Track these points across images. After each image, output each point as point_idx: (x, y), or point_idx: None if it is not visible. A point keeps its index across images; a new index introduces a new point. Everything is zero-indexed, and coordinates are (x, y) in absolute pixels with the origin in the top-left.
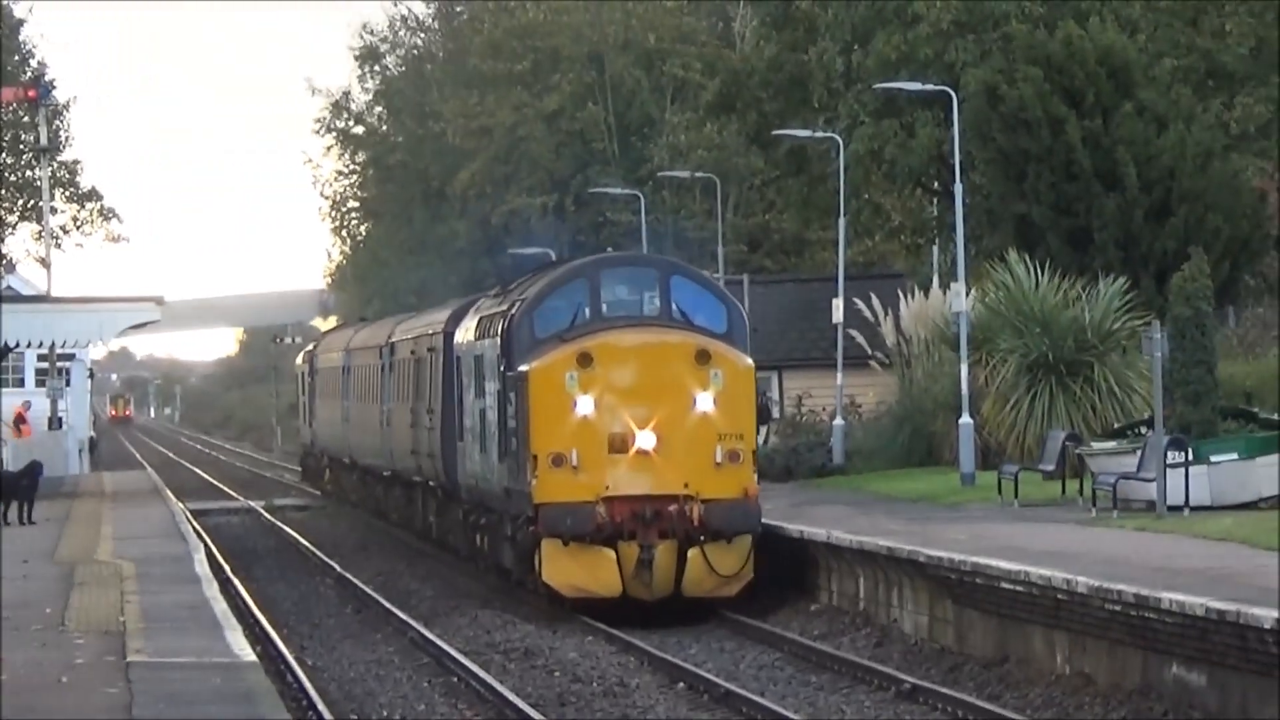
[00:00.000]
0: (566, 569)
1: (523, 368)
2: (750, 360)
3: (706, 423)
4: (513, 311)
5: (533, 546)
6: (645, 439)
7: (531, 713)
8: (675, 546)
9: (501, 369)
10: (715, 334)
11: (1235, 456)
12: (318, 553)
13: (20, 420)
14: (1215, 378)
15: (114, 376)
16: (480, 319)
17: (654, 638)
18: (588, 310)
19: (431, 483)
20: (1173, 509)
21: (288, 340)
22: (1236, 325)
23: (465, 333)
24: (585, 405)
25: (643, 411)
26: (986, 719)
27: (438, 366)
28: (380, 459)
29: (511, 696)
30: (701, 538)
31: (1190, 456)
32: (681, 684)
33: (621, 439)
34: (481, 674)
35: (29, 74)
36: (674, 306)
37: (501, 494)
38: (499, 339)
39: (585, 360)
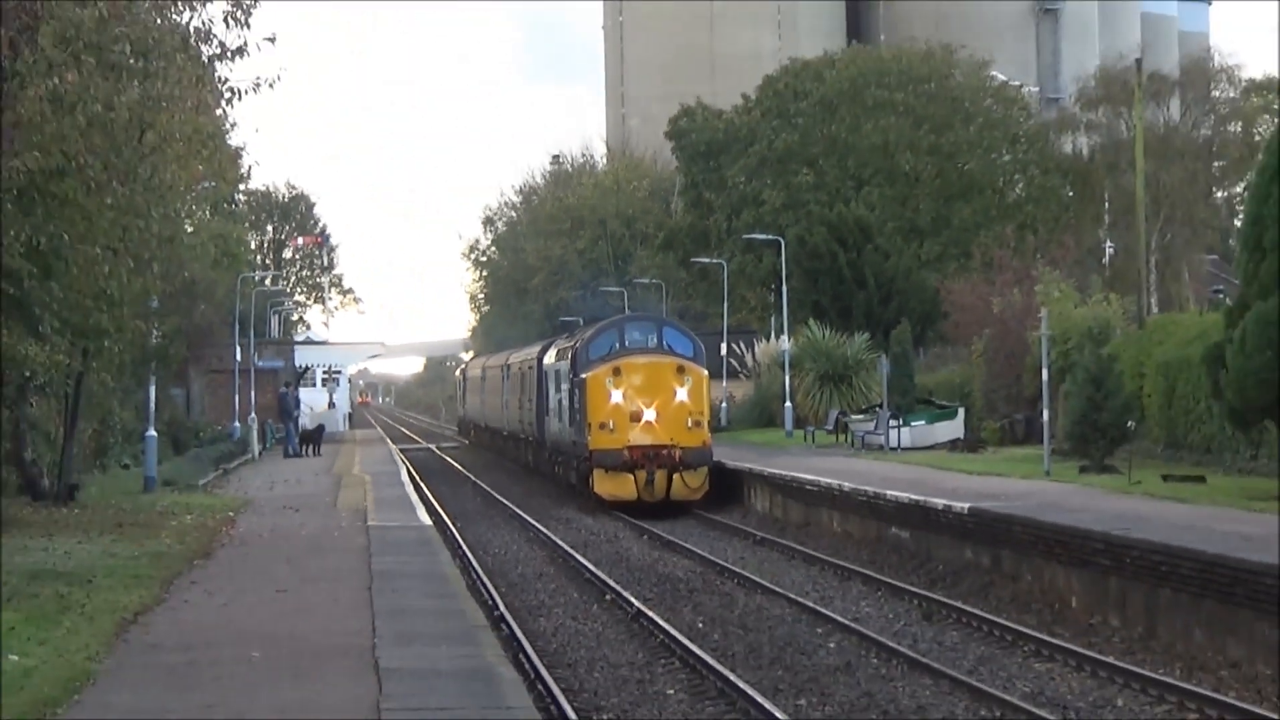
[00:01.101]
0: (607, 484)
1: (583, 375)
2: (706, 372)
3: (683, 406)
4: (577, 345)
5: (588, 472)
6: (650, 414)
7: (567, 547)
8: (667, 473)
9: (571, 377)
10: (687, 357)
11: (924, 422)
12: (465, 471)
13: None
14: (913, 383)
15: (360, 382)
16: (558, 350)
17: (649, 520)
18: (617, 345)
19: (530, 438)
20: (892, 449)
21: (449, 364)
22: (924, 358)
23: (549, 358)
24: (617, 396)
25: (648, 399)
26: (797, 554)
27: (533, 377)
28: (501, 424)
29: (558, 540)
30: (681, 467)
31: (900, 422)
32: (646, 537)
33: (637, 414)
34: (545, 531)
35: (317, 225)
36: (665, 343)
37: (570, 445)
38: (569, 361)
39: (617, 372)
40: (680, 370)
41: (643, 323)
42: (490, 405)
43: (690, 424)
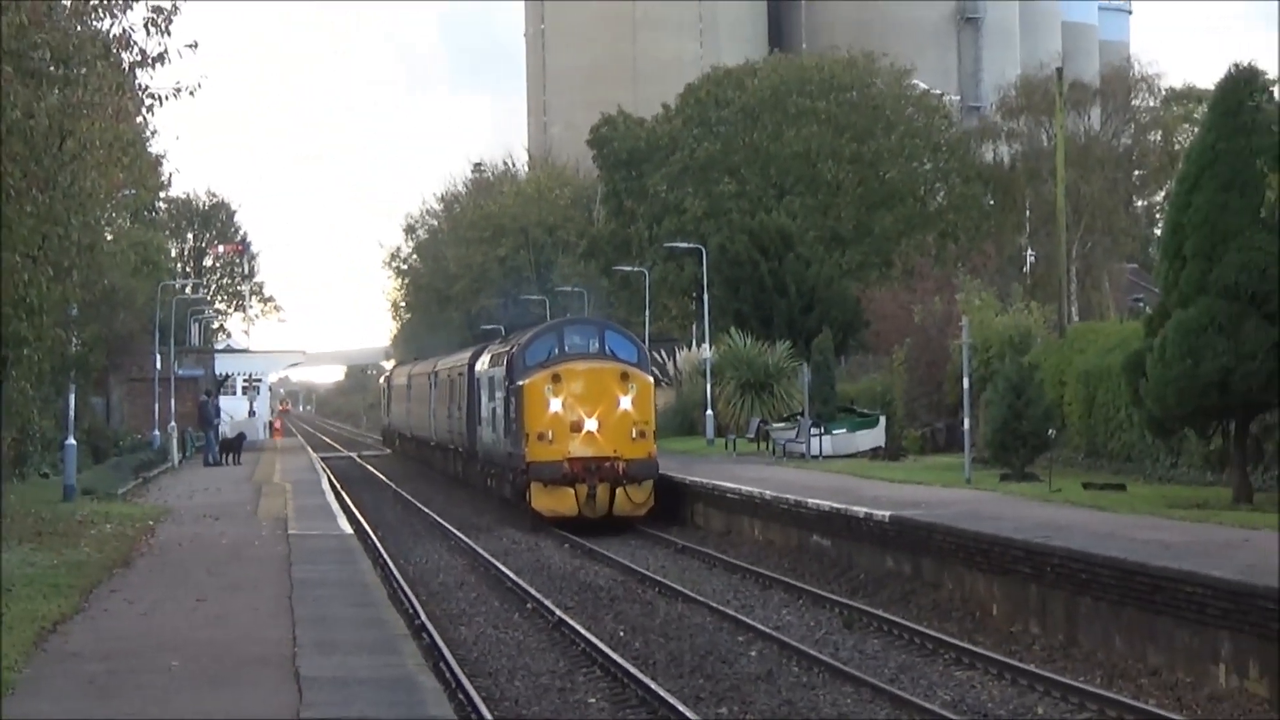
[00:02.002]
0: (545, 499)
1: (520, 382)
2: (651, 379)
3: (627, 415)
4: (513, 350)
5: (525, 486)
6: (591, 424)
7: (488, 556)
8: (609, 487)
9: (506, 384)
10: (631, 363)
11: (845, 430)
12: (387, 481)
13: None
14: (834, 392)
15: (281, 390)
16: (492, 355)
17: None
18: (557, 350)
19: (460, 449)
20: (813, 457)
21: (370, 372)
22: (845, 366)
23: (482, 364)
24: (556, 405)
25: (590, 408)
26: (719, 562)
27: (463, 384)
28: (429, 434)
29: (479, 548)
30: (625, 481)
31: (821, 430)
32: (568, 546)
33: (578, 424)
34: (467, 540)
35: (238, 233)
36: (607, 347)
37: (505, 456)
38: (505, 367)
39: (556, 379)
40: (624, 377)
41: (583, 326)
42: (416, 414)
43: (635, 434)
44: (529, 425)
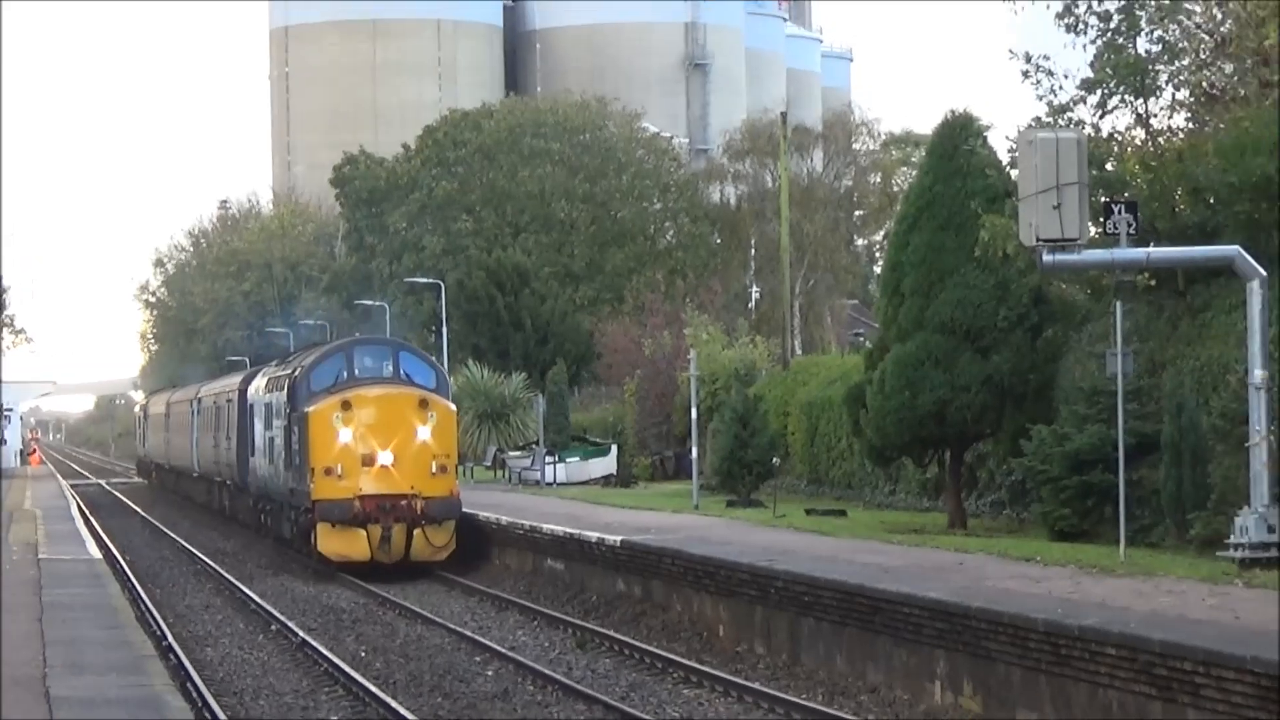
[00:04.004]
0: (334, 542)
1: (305, 410)
2: (454, 407)
3: (425, 447)
4: (295, 374)
5: (310, 527)
6: (385, 457)
7: (233, 580)
8: (405, 528)
9: (288, 411)
10: (429, 389)
11: (578, 459)
12: (135, 507)
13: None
14: (568, 421)
15: (32, 419)
16: (269, 379)
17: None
18: (345, 374)
19: (228, 481)
20: (548, 484)
21: (119, 401)
22: (578, 397)
23: (256, 390)
24: (346, 435)
25: (384, 439)
26: (457, 585)
27: (233, 411)
28: (190, 465)
29: (224, 572)
30: (423, 521)
31: (556, 458)
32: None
33: (370, 457)
34: (213, 565)
35: None
36: (402, 371)
37: (287, 492)
38: (285, 392)
39: (346, 406)
40: (423, 404)
41: (375, 347)
42: (176, 444)
43: (435, 469)
44: (315, 459)
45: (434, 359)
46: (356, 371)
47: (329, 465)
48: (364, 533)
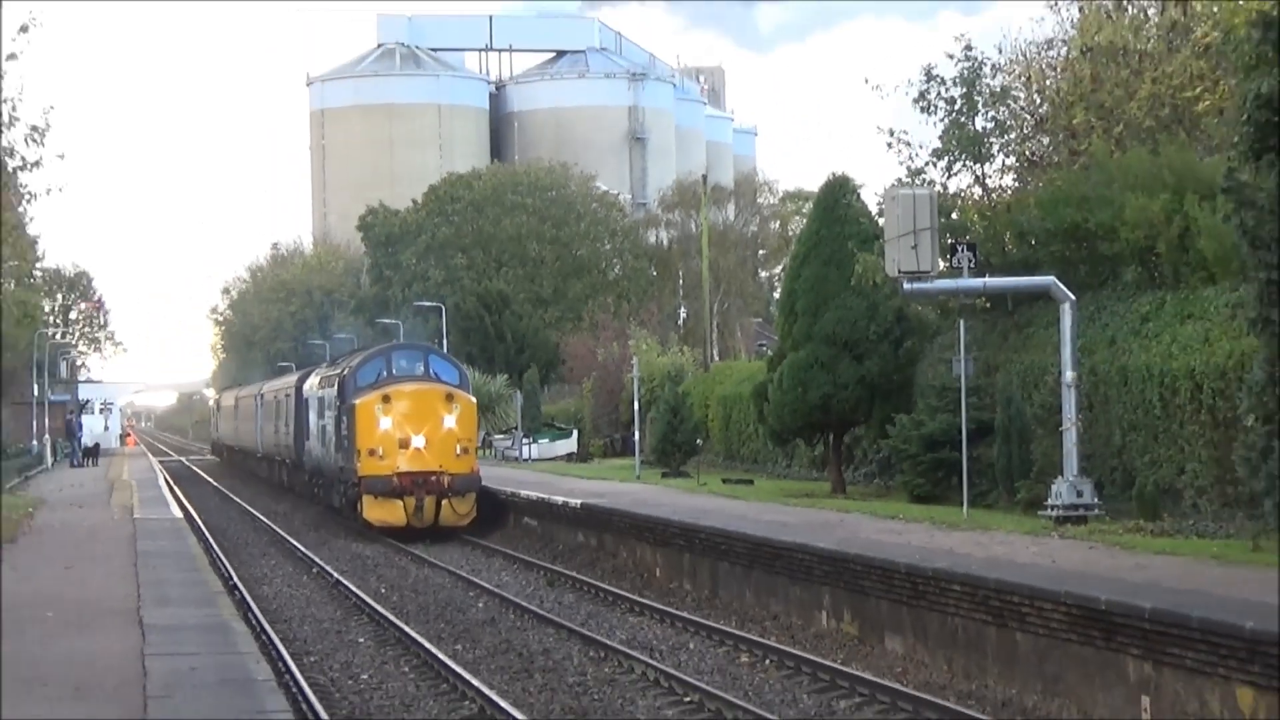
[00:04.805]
0: (376, 510)
1: (353, 402)
2: (474, 400)
3: (451, 433)
4: (344, 373)
5: (357, 498)
6: (418, 441)
7: (283, 534)
8: (435, 499)
9: (338, 403)
10: (455, 385)
11: (548, 440)
12: (209, 479)
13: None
14: (539, 412)
15: (128, 410)
16: (321, 378)
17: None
18: (385, 373)
19: (286, 460)
20: (524, 460)
21: (195, 398)
22: (547, 393)
23: (310, 386)
24: (386, 423)
25: (417, 426)
26: (453, 538)
27: (290, 404)
28: (254, 446)
29: (277, 528)
30: (449, 494)
31: (530, 440)
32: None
33: (405, 441)
34: (268, 521)
35: (95, 294)
36: (432, 370)
37: (336, 469)
38: (336, 388)
39: (386, 399)
40: (449, 398)
41: (410, 351)
42: (244, 430)
43: (459, 451)
44: (361, 442)
45: (458, 361)
46: (394, 371)
47: (372, 447)
48: (401, 503)
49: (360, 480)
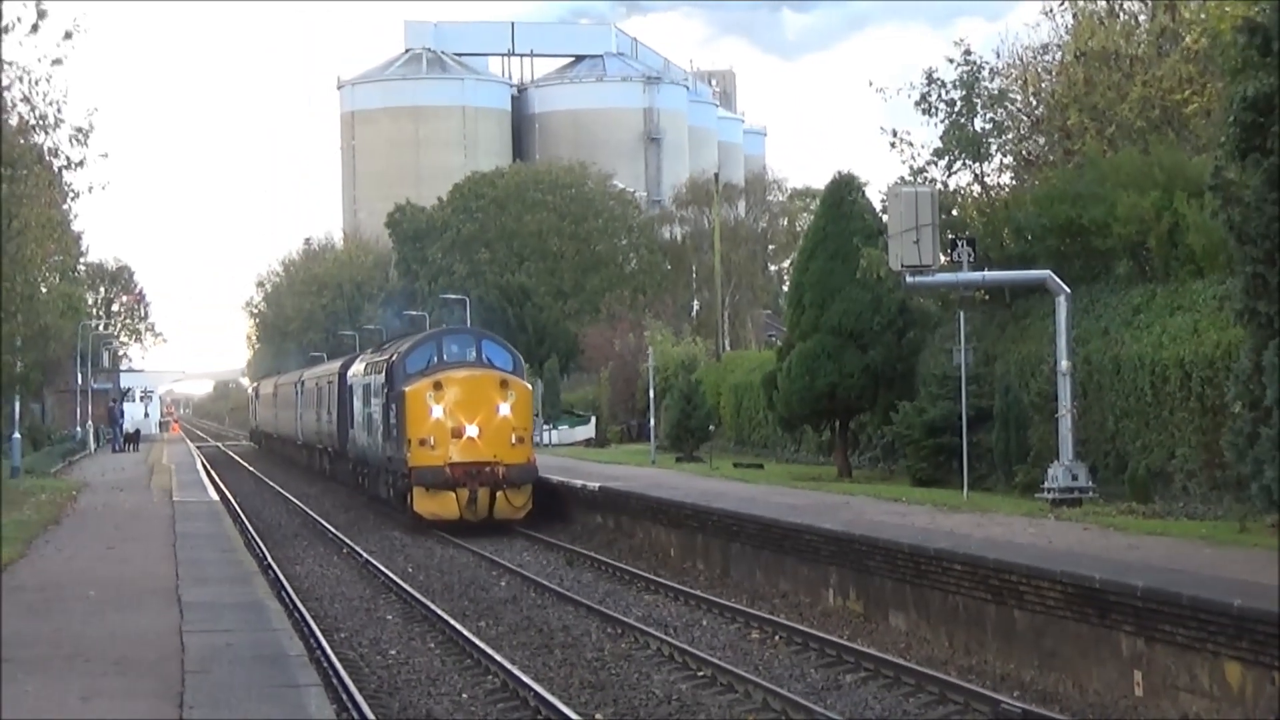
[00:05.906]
0: (428, 503)
1: (402, 389)
2: (530, 386)
3: (506, 421)
4: (392, 359)
5: (407, 490)
6: (472, 430)
7: (315, 515)
8: (489, 491)
9: (386, 390)
10: (509, 371)
11: (567, 426)
12: (244, 464)
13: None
14: (559, 399)
15: (168, 398)
16: (366, 364)
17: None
18: (436, 359)
19: (329, 449)
20: (546, 445)
21: (231, 386)
22: (567, 382)
23: (354, 373)
24: (438, 411)
25: (470, 415)
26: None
27: (331, 391)
28: (294, 434)
29: (309, 510)
30: (504, 485)
31: (551, 426)
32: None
33: (458, 430)
34: (300, 504)
35: (136, 287)
36: (484, 356)
37: (384, 459)
38: (383, 374)
39: (438, 386)
40: (504, 385)
41: (461, 336)
42: (283, 418)
43: (514, 440)
44: (411, 431)
45: (512, 346)
46: (445, 357)
47: (423, 437)
48: (453, 495)
49: (410, 471)
